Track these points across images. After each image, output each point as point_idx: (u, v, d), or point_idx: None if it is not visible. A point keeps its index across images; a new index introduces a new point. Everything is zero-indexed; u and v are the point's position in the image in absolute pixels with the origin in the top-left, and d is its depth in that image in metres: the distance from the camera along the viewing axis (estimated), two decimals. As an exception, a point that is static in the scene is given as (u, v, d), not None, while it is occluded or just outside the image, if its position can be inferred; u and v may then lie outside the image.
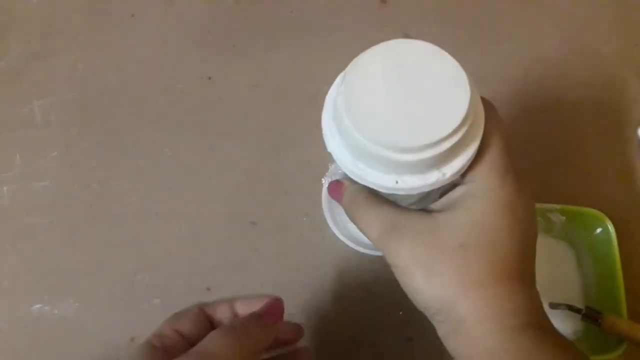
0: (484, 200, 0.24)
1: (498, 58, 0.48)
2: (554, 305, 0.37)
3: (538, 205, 0.38)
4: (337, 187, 0.29)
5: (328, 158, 0.33)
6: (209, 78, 0.49)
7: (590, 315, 0.35)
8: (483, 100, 0.25)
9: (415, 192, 0.24)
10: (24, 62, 0.51)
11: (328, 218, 0.40)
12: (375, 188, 0.25)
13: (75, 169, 0.46)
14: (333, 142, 0.25)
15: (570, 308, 0.36)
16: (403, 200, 0.29)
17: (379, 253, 0.39)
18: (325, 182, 0.43)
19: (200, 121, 0.48)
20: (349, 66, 0.24)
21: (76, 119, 0.48)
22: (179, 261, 0.43)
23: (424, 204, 0.28)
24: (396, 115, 0.23)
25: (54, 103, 0.49)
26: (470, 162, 0.24)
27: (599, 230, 0.37)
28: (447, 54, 0.24)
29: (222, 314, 0.30)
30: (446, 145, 0.22)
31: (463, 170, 0.24)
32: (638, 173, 0.44)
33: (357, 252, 0.41)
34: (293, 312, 0.40)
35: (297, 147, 0.46)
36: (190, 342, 0.28)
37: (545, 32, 0.50)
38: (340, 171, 0.32)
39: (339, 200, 0.29)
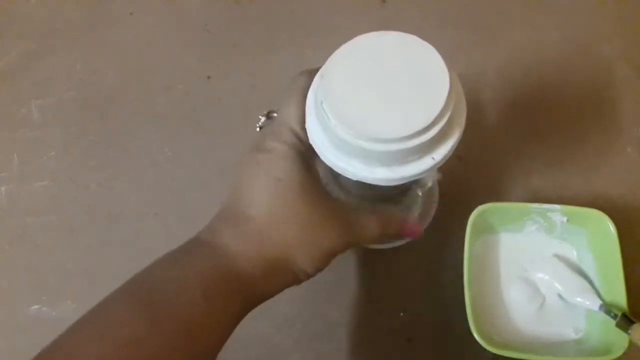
0: None
1: (498, 58, 0.48)
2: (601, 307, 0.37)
3: (539, 206, 0.38)
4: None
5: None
6: (209, 77, 0.49)
7: (623, 322, 0.34)
8: None
9: (412, 179, 0.25)
10: (22, 62, 0.51)
11: None
12: (366, 181, 0.25)
13: (74, 169, 0.46)
14: (324, 149, 0.26)
15: (607, 312, 0.36)
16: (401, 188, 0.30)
17: (382, 246, 0.39)
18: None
19: (200, 121, 0.47)
20: (324, 70, 0.25)
21: (75, 119, 0.48)
22: (179, 262, 0.43)
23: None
24: (386, 109, 0.23)
25: (53, 103, 0.49)
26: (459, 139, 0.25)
27: (600, 230, 0.37)
28: (415, 37, 0.25)
29: None
30: (440, 125, 0.23)
31: (452, 151, 0.25)
32: (639, 173, 0.44)
33: (357, 251, 0.41)
34: (291, 312, 0.40)
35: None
36: None
37: (545, 32, 0.50)
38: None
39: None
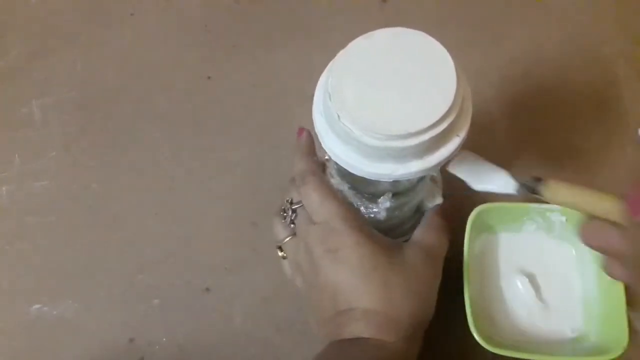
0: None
1: (498, 58, 0.48)
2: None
3: (538, 206, 0.38)
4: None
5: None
6: (209, 78, 0.49)
7: (531, 185, 0.29)
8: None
9: (418, 176, 0.26)
10: (23, 62, 0.51)
11: None
12: (376, 179, 0.25)
13: (74, 169, 0.46)
14: (330, 141, 0.26)
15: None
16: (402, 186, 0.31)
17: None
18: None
19: (200, 121, 0.48)
20: (335, 64, 0.25)
21: (75, 119, 0.48)
22: (179, 261, 0.43)
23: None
24: (394, 105, 0.23)
25: (53, 103, 0.49)
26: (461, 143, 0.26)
27: (599, 230, 0.37)
28: (424, 34, 0.25)
29: None
30: (459, 103, 0.24)
31: (456, 152, 0.25)
32: (638, 173, 0.44)
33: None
34: (293, 313, 0.40)
35: (297, 147, 0.46)
36: None
37: (545, 32, 0.50)
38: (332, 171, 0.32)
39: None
